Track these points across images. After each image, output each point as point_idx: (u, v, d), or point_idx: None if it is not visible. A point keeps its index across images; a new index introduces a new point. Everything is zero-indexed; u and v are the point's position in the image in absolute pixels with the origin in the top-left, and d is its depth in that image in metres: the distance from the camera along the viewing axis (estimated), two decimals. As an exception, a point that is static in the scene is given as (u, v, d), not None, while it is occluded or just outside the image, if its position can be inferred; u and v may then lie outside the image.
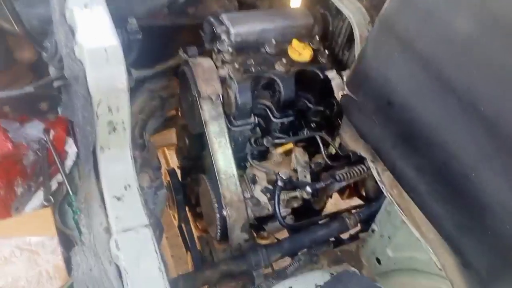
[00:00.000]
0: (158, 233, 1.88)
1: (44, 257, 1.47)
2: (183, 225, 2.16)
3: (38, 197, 1.81)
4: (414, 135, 1.20)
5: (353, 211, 1.94)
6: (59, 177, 1.78)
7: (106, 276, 1.25)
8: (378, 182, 1.59)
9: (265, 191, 1.72)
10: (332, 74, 1.61)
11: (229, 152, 1.68)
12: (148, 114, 2.02)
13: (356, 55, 1.56)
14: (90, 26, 1.33)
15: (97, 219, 1.38)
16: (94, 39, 1.29)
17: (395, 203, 1.53)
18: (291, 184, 1.70)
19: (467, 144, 1.06)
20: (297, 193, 1.72)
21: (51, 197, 1.68)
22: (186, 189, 2.29)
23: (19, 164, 2.00)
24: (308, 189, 1.67)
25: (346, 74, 1.51)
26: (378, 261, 1.88)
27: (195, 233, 2.37)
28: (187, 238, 2.13)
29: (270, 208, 1.73)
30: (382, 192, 1.70)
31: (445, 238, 1.24)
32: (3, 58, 1.75)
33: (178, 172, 2.34)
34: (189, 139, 2.02)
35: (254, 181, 1.73)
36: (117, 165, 1.42)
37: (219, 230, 1.75)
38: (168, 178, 2.32)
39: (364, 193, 2.15)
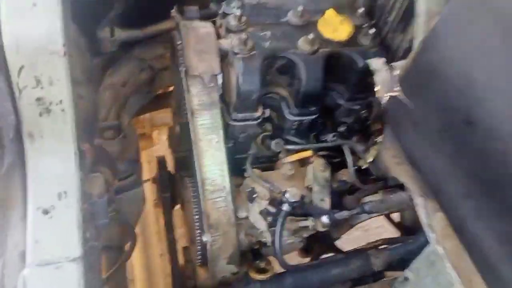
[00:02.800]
0: (130, 245, 1.47)
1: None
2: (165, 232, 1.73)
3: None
4: (506, 179, 0.71)
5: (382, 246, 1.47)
6: None
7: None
8: (425, 226, 1.12)
9: (265, 213, 1.26)
10: (377, 63, 1.10)
11: (221, 155, 1.22)
12: (132, 89, 1.59)
13: (417, 40, 1.06)
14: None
15: (13, 237, 0.96)
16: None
17: (448, 262, 1.06)
18: (302, 210, 1.24)
19: None
20: (308, 222, 1.26)
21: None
22: (177, 184, 1.86)
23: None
24: (325, 220, 1.21)
25: (398, 66, 1.01)
26: (409, 317, 1.41)
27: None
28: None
29: (268, 237, 1.28)
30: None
31: None
32: None
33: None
34: (181, 126, 1.57)
35: (251, 198, 1.27)
36: (52, 162, 0.99)
37: (199, 255, 1.32)
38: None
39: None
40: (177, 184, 1.80)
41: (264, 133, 1.40)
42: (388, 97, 0.94)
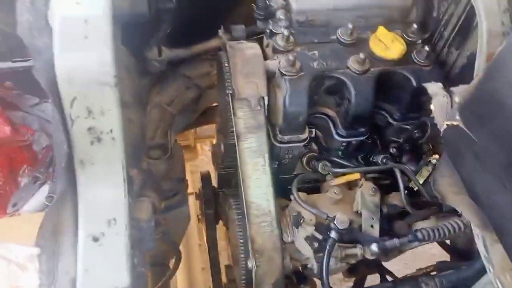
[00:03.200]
0: (175, 262, 1.47)
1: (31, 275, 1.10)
2: (207, 250, 1.73)
3: (43, 192, 1.47)
4: None
5: (433, 272, 1.40)
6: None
7: None
8: (483, 258, 1.04)
9: (311, 239, 1.22)
10: (435, 88, 1.04)
11: (267, 178, 1.19)
12: (178, 108, 1.59)
13: (479, 61, 0.99)
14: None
15: (64, 264, 0.97)
16: (73, 3, 0.86)
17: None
18: (350, 236, 1.19)
19: None
20: (357, 250, 1.21)
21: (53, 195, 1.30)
22: (220, 200, 1.86)
23: (26, 150, 1.67)
24: (374, 248, 1.15)
25: (458, 92, 0.94)
26: None
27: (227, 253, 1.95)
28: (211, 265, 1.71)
29: (314, 264, 1.24)
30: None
31: None
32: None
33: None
34: (225, 146, 1.56)
35: (297, 223, 1.23)
36: (102, 189, 1.00)
37: (243, 280, 1.30)
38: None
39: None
40: (220, 200, 1.80)
41: (310, 154, 1.37)
42: (446, 125, 0.89)
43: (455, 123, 0.84)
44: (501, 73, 0.71)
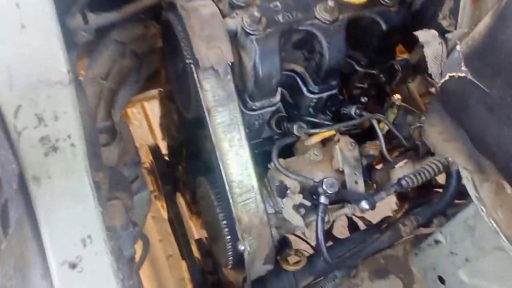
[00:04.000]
0: (143, 249, 1.35)
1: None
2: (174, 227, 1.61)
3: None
4: None
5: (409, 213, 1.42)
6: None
7: None
8: (474, 199, 1.05)
9: (298, 207, 1.16)
10: (427, 35, 0.96)
11: (245, 152, 1.08)
12: (117, 80, 1.37)
13: (465, 1, 0.93)
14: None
15: (38, 299, 0.81)
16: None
17: (502, 237, 1.01)
18: (338, 196, 1.14)
19: None
20: (346, 210, 1.17)
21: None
22: (175, 171, 1.72)
23: None
24: (365, 205, 1.12)
25: (457, 38, 0.87)
26: (442, 280, 1.41)
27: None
28: (180, 242, 1.60)
29: (306, 231, 1.18)
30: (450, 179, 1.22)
31: None
32: None
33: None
34: (180, 119, 1.40)
35: (282, 193, 1.15)
36: (66, 205, 0.82)
37: (230, 261, 1.22)
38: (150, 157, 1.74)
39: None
40: (178, 175, 1.66)
41: (279, 115, 1.27)
42: (449, 77, 0.83)
43: (461, 74, 0.78)
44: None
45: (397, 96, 1.39)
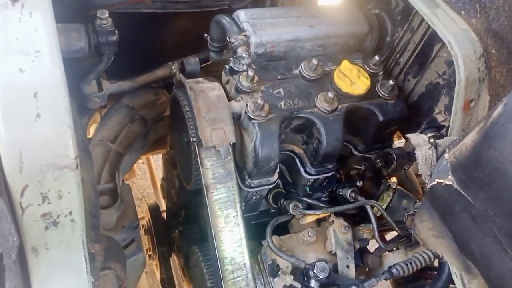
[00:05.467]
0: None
1: None
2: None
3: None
4: None
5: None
6: None
7: None
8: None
9: (288, 288, 1.17)
10: (419, 139, 1.02)
11: (240, 230, 1.11)
12: (124, 144, 1.43)
13: (456, 107, 0.99)
14: (14, 38, 0.73)
15: None
16: (13, 69, 0.70)
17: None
18: (328, 279, 1.15)
19: None
20: (336, 294, 1.18)
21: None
22: (172, 232, 1.74)
23: None
24: (354, 292, 1.13)
25: (446, 146, 0.91)
26: None
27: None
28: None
29: (294, 313, 1.19)
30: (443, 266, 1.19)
31: None
32: None
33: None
34: (181, 186, 1.45)
35: (273, 273, 1.17)
36: (60, 276, 0.85)
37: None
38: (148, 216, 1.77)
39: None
40: (174, 236, 1.68)
41: (276, 190, 1.31)
42: (437, 182, 0.87)
43: (448, 182, 0.82)
44: (503, 143, 0.69)
45: (393, 180, 1.43)
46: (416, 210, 1.23)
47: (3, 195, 0.72)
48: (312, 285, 1.10)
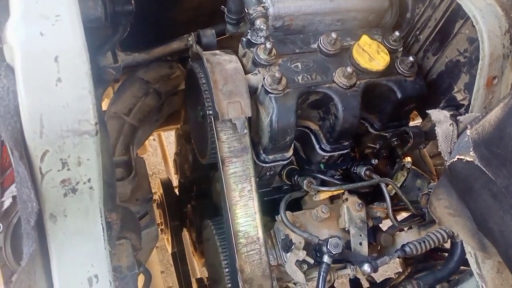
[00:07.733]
0: (144, 283, 1.36)
1: None
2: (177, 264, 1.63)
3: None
4: None
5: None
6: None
7: None
8: (476, 275, 1.06)
9: (301, 262, 1.17)
10: (439, 115, 1.00)
11: (254, 204, 1.11)
12: (139, 117, 1.43)
13: (478, 84, 0.96)
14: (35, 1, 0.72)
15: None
16: (36, 34, 0.69)
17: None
18: (341, 256, 1.15)
19: None
20: (348, 271, 1.18)
21: None
22: (184, 207, 1.75)
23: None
24: (367, 269, 1.13)
25: (468, 122, 0.90)
26: None
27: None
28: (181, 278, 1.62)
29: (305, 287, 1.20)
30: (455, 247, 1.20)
31: None
32: None
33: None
34: (195, 160, 1.44)
35: (286, 248, 1.17)
36: (78, 243, 0.86)
37: (229, 307, 1.23)
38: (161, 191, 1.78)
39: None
40: (187, 212, 1.69)
41: (290, 167, 1.30)
42: (457, 159, 0.85)
43: (469, 158, 0.81)
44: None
45: (407, 159, 1.41)
46: (430, 190, 1.22)
47: (24, 159, 0.72)
48: (325, 260, 1.10)
